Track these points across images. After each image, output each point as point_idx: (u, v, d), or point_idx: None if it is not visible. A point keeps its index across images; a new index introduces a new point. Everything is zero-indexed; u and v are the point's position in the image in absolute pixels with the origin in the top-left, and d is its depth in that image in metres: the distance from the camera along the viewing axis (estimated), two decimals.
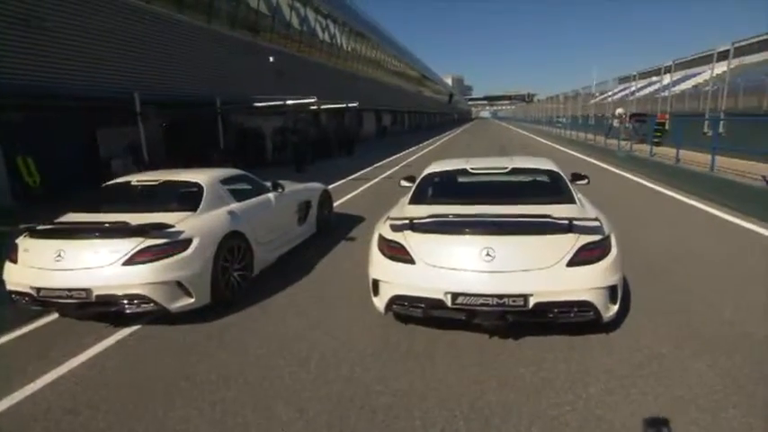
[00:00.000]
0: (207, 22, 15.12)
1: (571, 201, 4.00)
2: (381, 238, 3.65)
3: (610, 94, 26.19)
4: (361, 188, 10.62)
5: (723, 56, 12.91)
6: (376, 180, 11.87)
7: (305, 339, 3.55)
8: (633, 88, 21.22)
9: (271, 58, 17.60)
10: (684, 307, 4.03)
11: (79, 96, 10.16)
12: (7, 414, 2.68)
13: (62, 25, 9.81)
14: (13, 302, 3.77)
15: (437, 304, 3.35)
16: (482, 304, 3.26)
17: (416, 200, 4.24)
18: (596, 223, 3.49)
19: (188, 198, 4.34)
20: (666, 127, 15.18)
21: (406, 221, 3.61)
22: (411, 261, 3.45)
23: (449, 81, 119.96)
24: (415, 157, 18.65)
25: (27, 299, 3.70)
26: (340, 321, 3.82)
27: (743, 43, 12.30)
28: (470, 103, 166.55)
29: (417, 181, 4.55)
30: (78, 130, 11.55)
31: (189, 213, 4.11)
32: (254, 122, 18.41)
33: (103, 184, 4.76)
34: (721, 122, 11.75)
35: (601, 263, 3.33)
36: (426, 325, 3.69)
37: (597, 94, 28.02)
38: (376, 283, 3.60)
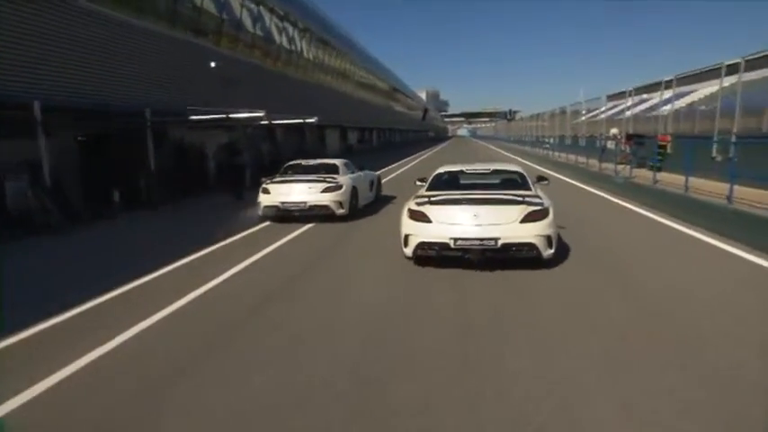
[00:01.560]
0: (137, 17, 14.25)
1: (529, 189, 7.53)
2: (410, 210, 7.05)
3: (603, 109, 26.20)
4: (294, 234, 9.80)
5: (731, 70, 12.96)
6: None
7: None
8: (629, 104, 21.01)
9: (212, 64, 16.69)
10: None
11: None
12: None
13: None
14: (263, 213, 10.54)
15: (445, 246, 6.64)
16: (471, 245, 6.54)
17: (431, 188, 7.82)
18: (539, 200, 6.92)
19: (332, 169, 11.47)
20: (668, 150, 15.07)
21: (426, 199, 7.14)
22: (429, 221, 6.79)
23: (423, 96, 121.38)
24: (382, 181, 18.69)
25: (275, 209, 10.55)
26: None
27: (750, 58, 12.25)
28: (446, 119, 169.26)
29: (431, 177, 8.22)
30: None
31: (335, 175, 11.08)
32: (195, 138, 17.38)
33: (287, 164, 12.13)
34: (732, 146, 11.53)
35: (541, 221, 6.59)
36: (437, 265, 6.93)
37: (586, 112, 28.23)
38: (407, 237, 6.93)
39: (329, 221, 10.55)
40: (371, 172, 13.58)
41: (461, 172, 8.33)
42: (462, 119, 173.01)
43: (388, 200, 13.57)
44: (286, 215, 10.78)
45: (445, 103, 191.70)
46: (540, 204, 6.84)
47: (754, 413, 3.34)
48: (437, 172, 8.41)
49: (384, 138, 59.49)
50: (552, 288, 5.91)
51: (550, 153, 30.28)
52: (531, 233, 6.54)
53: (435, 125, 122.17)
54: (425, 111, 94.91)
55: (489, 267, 6.72)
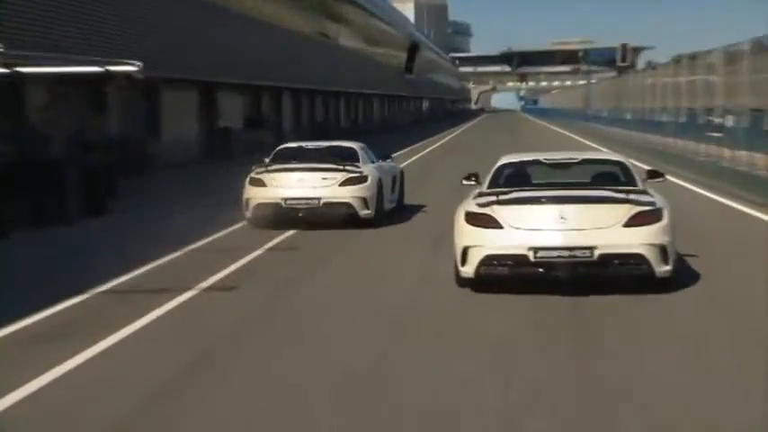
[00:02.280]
0: None
1: (635, 185, 12.22)
2: (470, 214, 11.56)
3: None
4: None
5: None
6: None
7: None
8: None
9: None
10: None
11: None
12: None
13: None
14: (253, 214, 19.91)
15: (522, 260, 11.03)
16: (558, 256, 10.99)
17: (493, 185, 12.39)
18: (650, 198, 11.67)
19: (349, 155, 20.35)
20: None
21: (493, 197, 11.68)
22: (499, 227, 11.22)
23: (408, 12, 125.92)
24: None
25: (274, 209, 19.35)
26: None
27: None
28: (466, 69, 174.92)
29: (492, 170, 12.79)
30: None
31: (356, 163, 19.69)
32: None
33: (280, 148, 21.89)
34: None
35: (651, 226, 11.07)
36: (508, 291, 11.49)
37: None
38: (466, 251, 11.36)
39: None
40: (393, 164, 22.36)
41: (536, 162, 13.24)
42: (506, 68, 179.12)
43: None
44: (287, 217, 17.94)
45: (463, 30, 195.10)
46: (652, 204, 11.14)
47: None
48: (500, 164, 13.00)
49: (313, 115, 62.95)
50: None
51: (726, 151, 30.98)
52: (639, 241, 10.65)
53: (438, 83, 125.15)
54: (413, 48, 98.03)
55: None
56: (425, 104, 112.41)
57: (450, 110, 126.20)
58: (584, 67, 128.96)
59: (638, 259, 10.34)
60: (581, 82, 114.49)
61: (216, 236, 18.79)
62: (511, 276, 10.68)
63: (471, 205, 11.27)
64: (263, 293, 13.20)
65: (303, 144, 19.38)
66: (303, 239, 18.48)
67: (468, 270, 10.85)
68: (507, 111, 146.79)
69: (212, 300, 12.70)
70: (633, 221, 10.42)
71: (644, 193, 11.31)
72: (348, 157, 18.11)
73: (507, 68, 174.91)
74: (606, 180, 12.13)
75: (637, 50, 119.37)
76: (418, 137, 68.44)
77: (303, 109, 60.49)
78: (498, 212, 10.78)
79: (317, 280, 14.13)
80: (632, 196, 10.88)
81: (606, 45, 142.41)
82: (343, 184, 16.63)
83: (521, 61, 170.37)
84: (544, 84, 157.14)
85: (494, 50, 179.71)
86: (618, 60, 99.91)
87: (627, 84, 70.09)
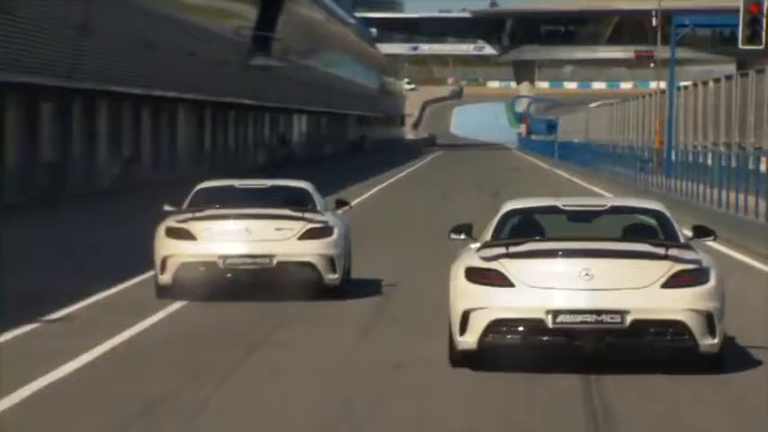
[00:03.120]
0: None
1: (675, 239, 17.47)
2: (472, 270, 16.09)
3: None
4: None
5: None
6: None
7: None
8: None
9: None
10: None
11: None
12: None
13: None
14: (174, 280, 29.18)
15: (537, 326, 15.42)
16: (581, 322, 15.23)
17: (497, 237, 18.02)
18: (694, 255, 16.42)
19: (300, 197, 31.35)
20: None
21: (502, 250, 16.32)
22: (510, 284, 15.69)
23: None
24: None
25: (208, 271, 28.04)
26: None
27: None
28: (395, 48, 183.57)
29: (496, 218, 18.36)
30: None
31: (315, 209, 30.60)
32: None
33: (201, 186, 32.16)
34: None
35: (695, 288, 15.63)
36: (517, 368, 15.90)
37: None
38: (467, 315, 15.70)
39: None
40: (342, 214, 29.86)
41: (551, 210, 18.00)
42: (483, 48, 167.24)
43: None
44: (225, 283, 22.92)
45: None
46: (696, 262, 14.77)
47: None
48: (504, 211, 17.60)
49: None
50: None
51: None
52: (681, 305, 14.08)
53: (332, 79, 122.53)
54: None
55: None
56: (300, 125, 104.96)
57: (361, 140, 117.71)
58: (660, 52, 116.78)
59: (678, 328, 13.49)
60: (654, 84, 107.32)
61: None
62: (522, 347, 13.58)
63: (473, 259, 14.41)
64: None
65: (234, 182, 21.73)
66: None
67: (468, 339, 13.82)
68: (490, 145, 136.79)
69: None
70: (673, 282, 13.67)
71: (687, 248, 14.88)
72: (300, 200, 21.19)
73: (488, 49, 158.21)
74: (641, 234, 16.15)
75: None
76: None
77: None
78: (508, 267, 13.87)
79: None
80: (673, 252, 14.28)
81: (711, 4, 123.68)
82: (304, 237, 19.61)
83: (517, 34, 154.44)
84: (572, 86, 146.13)
85: (457, 7, 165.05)
86: (741, 39, 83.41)
87: (760, 89, 68.48)
